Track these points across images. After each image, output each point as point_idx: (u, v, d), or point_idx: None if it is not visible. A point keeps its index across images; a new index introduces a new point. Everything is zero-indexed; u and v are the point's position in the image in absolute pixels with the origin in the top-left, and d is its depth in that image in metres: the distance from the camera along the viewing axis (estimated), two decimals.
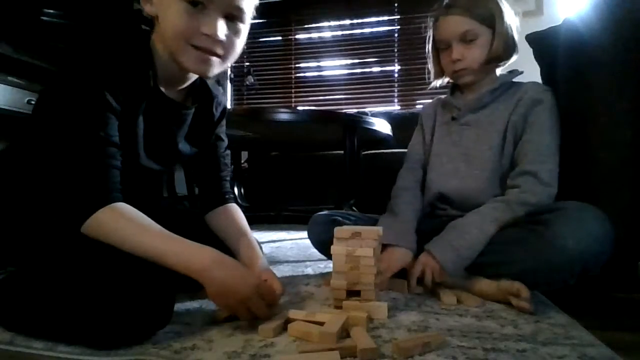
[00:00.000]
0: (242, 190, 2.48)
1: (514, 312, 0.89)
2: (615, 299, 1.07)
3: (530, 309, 0.87)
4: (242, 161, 2.78)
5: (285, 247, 1.88)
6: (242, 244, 1.00)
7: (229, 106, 3.88)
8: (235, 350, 0.70)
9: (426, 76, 1.27)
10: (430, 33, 1.19)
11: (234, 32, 0.81)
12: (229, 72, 3.90)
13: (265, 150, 2.99)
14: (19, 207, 0.85)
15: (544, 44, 1.35)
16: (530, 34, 1.42)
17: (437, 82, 1.23)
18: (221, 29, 0.78)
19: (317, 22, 3.84)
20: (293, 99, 3.92)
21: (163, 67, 0.86)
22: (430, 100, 1.33)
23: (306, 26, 3.89)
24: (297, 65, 3.91)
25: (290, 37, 3.93)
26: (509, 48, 1.11)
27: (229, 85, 3.95)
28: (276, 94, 3.96)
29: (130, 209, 0.78)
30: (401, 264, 1.05)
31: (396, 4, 3.69)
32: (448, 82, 1.25)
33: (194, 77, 0.92)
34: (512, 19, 1.12)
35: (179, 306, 0.80)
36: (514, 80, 1.16)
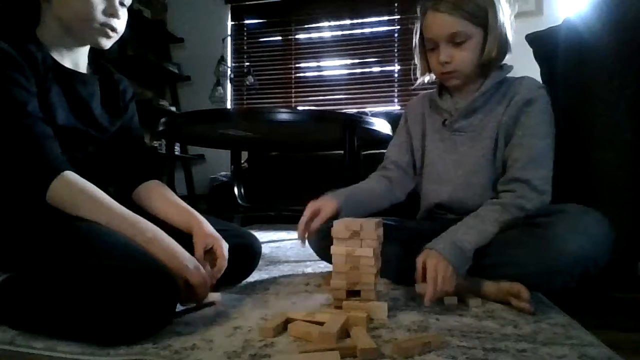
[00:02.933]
0: (242, 190, 2.47)
1: (514, 312, 0.89)
2: (615, 299, 1.07)
3: (531, 310, 0.87)
4: (242, 161, 2.77)
5: (285, 247, 1.88)
6: (175, 213, 1.02)
7: (229, 106, 3.89)
8: (235, 350, 0.70)
9: (411, 74, 1.18)
10: (417, 25, 1.09)
11: (124, 10, 0.98)
12: (229, 72, 3.90)
13: (265, 150, 2.98)
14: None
15: (544, 44, 1.35)
16: (530, 34, 1.42)
17: (425, 78, 1.15)
18: (120, 11, 0.96)
19: (317, 22, 3.83)
20: (293, 99, 3.92)
21: (58, 44, 0.97)
22: (414, 98, 1.25)
23: (306, 26, 3.88)
24: (297, 65, 3.91)
25: (290, 37, 3.92)
26: (503, 49, 1.02)
27: (229, 85, 3.95)
28: (276, 94, 3.96)
29: (78, 178, 0.87)
30: (321, 206, 1.01)
31: (396, 4, 3.69)
32: (436, 79, 1.16)
33: (84, 51, 1.03)
34: (507, 16, 1.02)
35: (178, 306, 0.80)
36: (507, 75, 1.08)
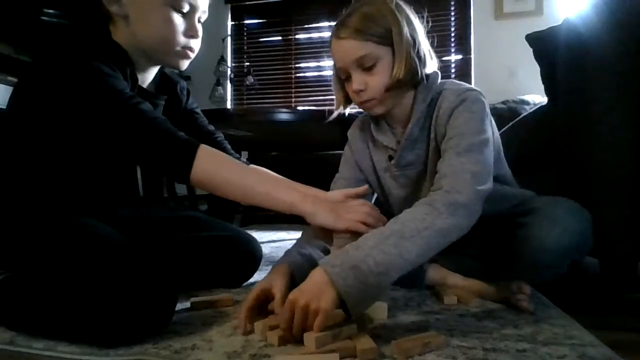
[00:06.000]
0: None
1: (514, 312, 0.89)
2: (615, 299, 1.07)
3: (530, 309, 0.87)
4: None
5: (286, 247, 1.86)
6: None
7: (229, 106, 3.89)
8: (235, 350, 0.70)
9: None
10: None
11: (200, 26, 0.95)
12: (229, 72, 3.90)
13: (265, 150, 2.99)
14: (21, 205, 0.85)
15: (544, 44, 1.35)
16: (530, 34, 1.42)
17: (346, 111, 1.05)
18: (200, 30, 0.93)
19: (317, 22, 3.83)
20: (293, 99, 3.92)
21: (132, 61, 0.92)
22: (355, 124, 1.13)
23: (306, 26, 3.88)
24: (297, 65, 3.90)
25: (290, 37, 3.92)
26: (413, 69, 0.90)
27: (229, 85, 3.95)
28: (276, 94, 3.95)
29: (213, 149, 0.83)
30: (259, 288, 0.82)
31: None
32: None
33: (156, 69, 1.00)
34: (419, 30, 0.92)
35: (178, 306, 0.80)
36: (434, 86, 0.96)
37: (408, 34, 0.89)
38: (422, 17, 0.95)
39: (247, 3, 3.89)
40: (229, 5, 3.91)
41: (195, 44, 0.93)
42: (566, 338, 0.75)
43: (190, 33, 0.90)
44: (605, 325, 0.84)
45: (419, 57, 0.92)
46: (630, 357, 0.68)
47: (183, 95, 1.10)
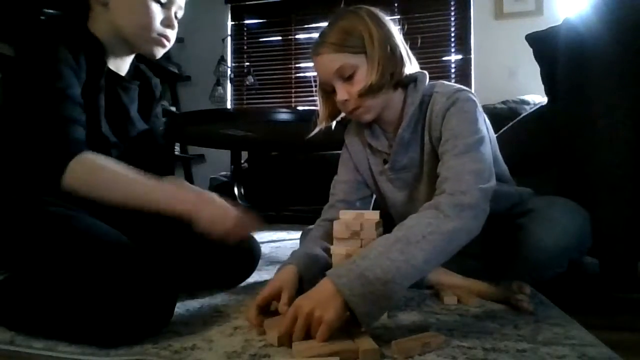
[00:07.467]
0: (242, 190, 2.47)
1: (514, 312, 0.89)
2: (615, 299, 1.07)
3: (530, 309, 0.87)
4: (242, 161, 2.77)
5: (286, 247, 1.88)
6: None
7: (229, 106, 3.89)
8: (235, 350, 0.70)
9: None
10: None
11: (176, 21, 1.00)
12: (229, 72, 3.90)
13: (265, 150, 2.98)
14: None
15: (544, 44, 1.35)
16: (530, 34, 1.42)
17: (332, 123, 1.06)
18: (175, 21, 0.99)
19: (317, 22, 3.83)
20: (293, 99, 3.92)
21: (107, 48, 0.96)
22: (350, 127, 1.12)
23: (306, 26, 3.89)
24: (297, 65, 3.91)
25: (290, 37, 3.92)
26: (387, 73, 0.91)
27: (229, 85, 3.95)
28: (276, 94, 3.96)
29: (100, 157, 0.84)
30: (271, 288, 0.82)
31: (396, 4, 3.69)
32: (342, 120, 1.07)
33: (130, 59, 1.04)
34: (390, 35, 0.93)
35: (179, 306, 0.80)
36: (426, 85, 0.98)
37: (380, 40, 0.91)
38: (396, 21, 0.96)
39: (247, 3, 3.90)
40: (229, 5, 3.92)
41: (172, 34, 0.98)
42: (566, 338, 0.75)
43: (167, 23, 0.96)
44: (605, 325, 0.84)
45: (394, 61, 0.92)
46: (630, 357, 0.68)
47: (157, 90, 1.14)
